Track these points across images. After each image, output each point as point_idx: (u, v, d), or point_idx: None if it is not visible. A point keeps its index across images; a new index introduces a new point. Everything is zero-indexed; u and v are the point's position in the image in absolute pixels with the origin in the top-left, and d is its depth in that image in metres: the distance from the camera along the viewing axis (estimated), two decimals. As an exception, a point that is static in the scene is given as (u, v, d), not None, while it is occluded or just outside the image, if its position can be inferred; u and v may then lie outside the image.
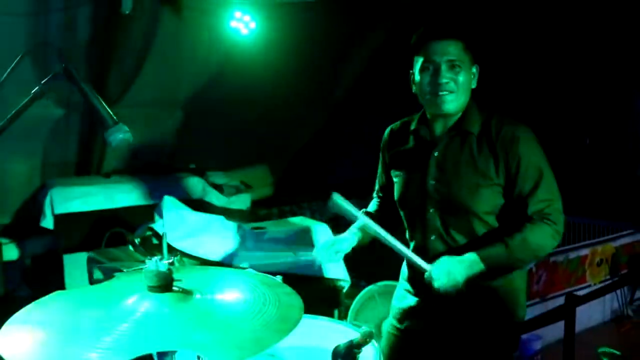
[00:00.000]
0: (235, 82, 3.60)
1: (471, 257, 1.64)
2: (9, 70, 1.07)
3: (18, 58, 1.08)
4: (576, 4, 4.17)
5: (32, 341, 0.95)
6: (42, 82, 1.07)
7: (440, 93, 1.70)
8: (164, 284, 1.05)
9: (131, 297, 1.06)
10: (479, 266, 1.64)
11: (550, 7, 4.14)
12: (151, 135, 3.76)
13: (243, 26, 3.11)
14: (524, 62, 4.74)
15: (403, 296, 1.93)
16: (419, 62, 1.74)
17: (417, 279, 1.89)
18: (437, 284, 1.63)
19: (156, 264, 1.04)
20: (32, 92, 1.07)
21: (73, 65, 1.07)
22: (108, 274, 1.29)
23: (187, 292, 1.08)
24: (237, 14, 3.05)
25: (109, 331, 0.96)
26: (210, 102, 3.73)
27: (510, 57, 4.47)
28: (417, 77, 1.76)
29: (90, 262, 1.47)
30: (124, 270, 1.30)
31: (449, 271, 1.63)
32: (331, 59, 3.82)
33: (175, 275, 1.07)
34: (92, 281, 1.45)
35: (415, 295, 1.87)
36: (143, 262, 1.42)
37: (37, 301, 1.07)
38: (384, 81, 4.13)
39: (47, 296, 1.09)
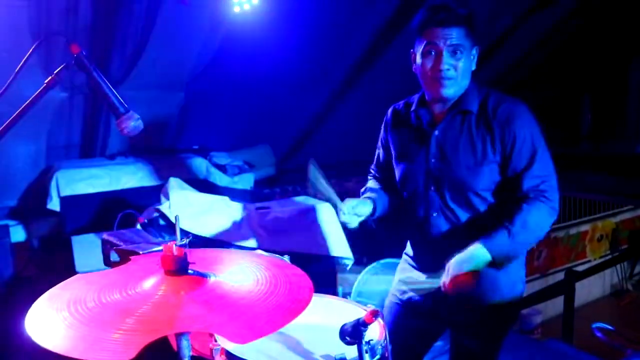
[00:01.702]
0: (237, 62, 3.60)
1: (478, 250, 1.66)
2: (23, 60, 1.08)
3: (32, 48, 1.10)
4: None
5: (58, 322, 1.00)
6: (55, 71, 1.09)
7: (441, 79, 1.72)
8: (180, 267, 1.09)
9: (149, 280, 1.10)
10: (487, 257, 1.66)
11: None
12: (154, 116, 3.77)
13: (245, 3, 3.09)
14: (525, 38, 4.71)
15: (405, 269, 1.99)
16: (421, 44, 1.75)
17: (420, 256, 1.94)
18: (451, 288, 1.66)
19: (172, 249, 1.08)
20: (46, 81, 1.09)
21: (85, 55, 1.09)
22: (124, 257, 1.33)
23: (201, 275, 1.12)
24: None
25: (131, 313, 1.00)
26: (212, 82, 3.73)
27: (510, 33, 4.45)
28: (418, 60, 1.78)
29: (106, 244, 1.51)
30: (140, 252, 1.34)
31: (459, 273, 1.65)
32: (334, 36, 3.80)
33: (189, 259, 1.11)
34: (109, 263, 1.49)
35: (417, 269, 1.93)
36: (157, 244, 1.46)
37: (60, 284, 1.11)
38: (387, 59, 4.13)
39: (69, 279, 1.14)
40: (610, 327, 2.60)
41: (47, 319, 1.02)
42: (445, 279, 1.67)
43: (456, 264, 1.66)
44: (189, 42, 3.36)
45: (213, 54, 3.55)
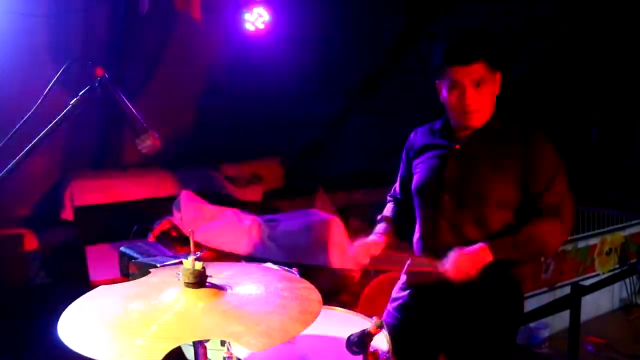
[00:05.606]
0: (248, 77, 3.66)
1: (481, 249, 1.72)
2: (54, 79, 1.14)
3: (62, 68, 1.16)
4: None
5: (87, 329, 1.07)
6: (80, 93, 1.15)
7: (468, 113, 1.78)
8: (199, 280, 1.15)
9: (170, 292, 1.16)
10: (488, 257, 1.71)
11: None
12: (166, 129, 3.82)
13: (257, 22, 3.15)
14: (533, 55, 4.75)
15: (400, 288, 2.03)
16: (445, 80, 1.81)
17: (412, 273, 1.98)
18: (452, 277, 1.71)
19: (192, 262, 1.14)
20: (71, 102, 1.15)
21: (110, 79, 1.15)
22: (143, 269, 1.40)
23: (219, 288, 1.18)
24: (251, 10, 3.09)
25: (153, 321, 1.07)
26: (223, 96, 3.80)
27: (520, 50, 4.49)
28: (444, 93, 1.84)
29: (123, 256, 1.57)
30: (158, 265, 1.40)
31: (460, 267, 1.71)
32: (344, 52, 3.86)
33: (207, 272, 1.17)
34: (127, 274, 1.56)
35: (409, 287, 1.96)
36: (173, 257, 1.52)
37: (86, 294, 1.18)
38: (398, 74, 4.18)
39: (94, 290, 1.20)
40: (601, 340, 2.61)
41: (77, 326, 1.08)
42: (447, 265, 1.72)
43: (459, 257, 1.71)
44: (201, 58, 3.43)
45: (224, 69, 3.61)
